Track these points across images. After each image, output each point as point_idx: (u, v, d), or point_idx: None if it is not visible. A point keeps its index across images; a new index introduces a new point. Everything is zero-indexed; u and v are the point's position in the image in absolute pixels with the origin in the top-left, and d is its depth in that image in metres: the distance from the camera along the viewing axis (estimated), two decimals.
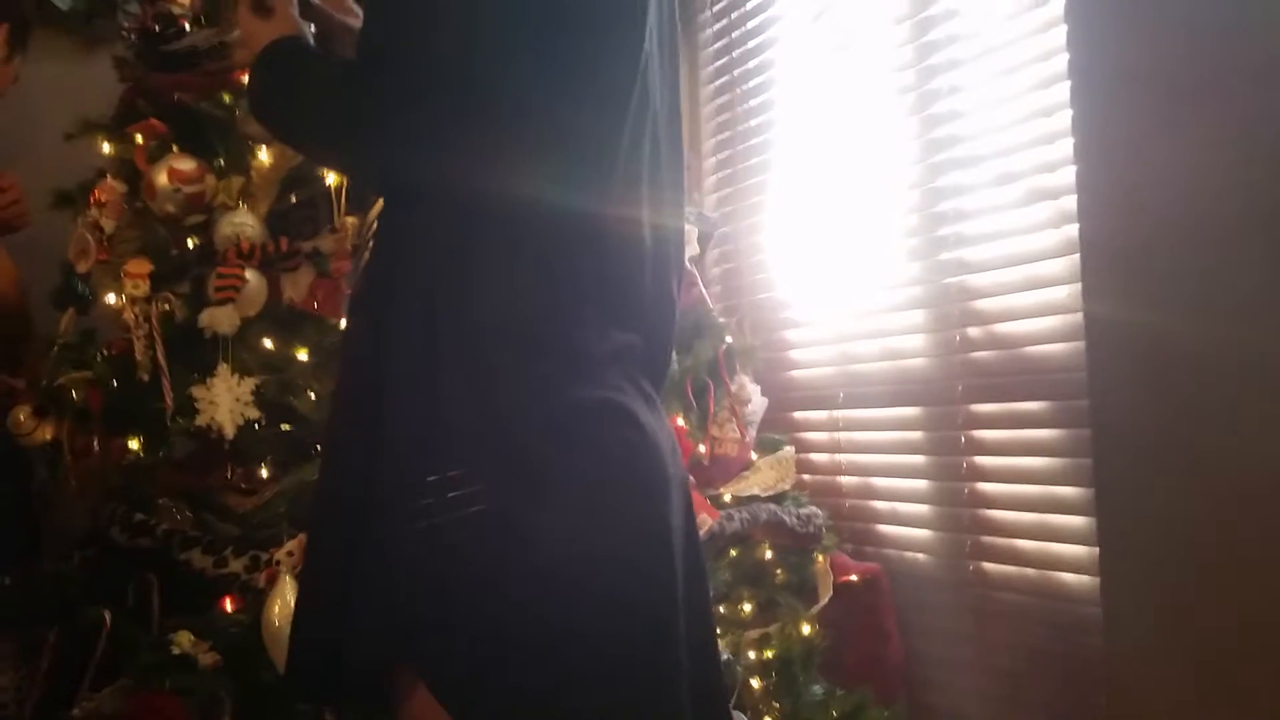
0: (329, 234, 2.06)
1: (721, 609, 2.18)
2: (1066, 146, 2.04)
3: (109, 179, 2.14)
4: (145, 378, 1.91)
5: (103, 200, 2.11)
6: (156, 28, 2.20)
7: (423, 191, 1.15)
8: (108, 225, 2.09)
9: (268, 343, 1.97)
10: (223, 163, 2.07)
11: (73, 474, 1.93)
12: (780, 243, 2.90)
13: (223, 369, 1.90)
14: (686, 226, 2.50)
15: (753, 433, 2.41)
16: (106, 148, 2.17)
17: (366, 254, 1.19)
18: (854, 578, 2.40)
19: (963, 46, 2.34)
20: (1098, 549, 1.96)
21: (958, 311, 2.33)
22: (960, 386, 2.33)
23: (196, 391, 1.88)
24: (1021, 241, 2.18)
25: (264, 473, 1.94)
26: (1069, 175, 2.03)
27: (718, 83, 3.20)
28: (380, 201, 1.24)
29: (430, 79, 1.11)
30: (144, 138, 2.11)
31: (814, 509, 2.40)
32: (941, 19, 2.39)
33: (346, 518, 1.13)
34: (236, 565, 1.81)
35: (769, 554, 2.32)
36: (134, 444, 1.91)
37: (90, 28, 2.85)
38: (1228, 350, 1.73)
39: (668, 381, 2.30)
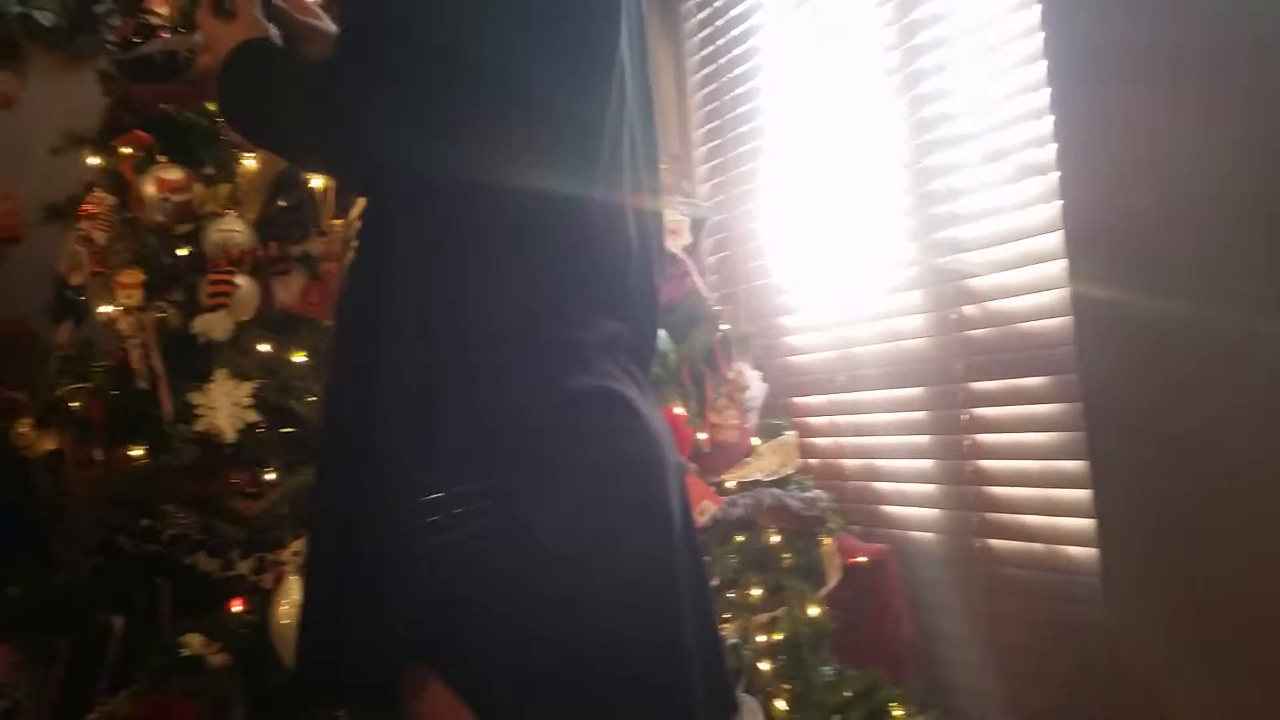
0: (318, 237, 2.06)
1: (730, 594, 2.19)
2: (1052, 122, 2.04)
3: (97, 191, 2.14)
4: (144, 386, 1.91)
5: (92, 213, 2.12)
6: (137, 39, 2.21)
7: (406, 187, 1.15)
8: (98, 237, 2.10)
9: (264, 347, 1.97)
10: (210, 170, 2.08)
11: (75, 484, 1.94)
12: (774, 228, 2.91)
13: (219, 374, 1.90)
14: (679, 216, 2.53)
15: (753, 419, 2.41)
16: (94, 160, 2.17)
17: (350, 254, 1.19)
18: (862, 559, 2.40)
19: (947, 25, 2.34)
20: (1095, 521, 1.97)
21: (953, 290, 2.33)
22: (959, 365, 2.33)
23: (194, 397, 1.88)
24: (1013, 218, 2.18)
25: (268, 475, 1.95)
26: (1055, 152, 2.04)
27: (705, 71, 3.20)
28: (362, 201, 1.23)
29: (410, 71, 1.10)
30: (131, 149, 2.11)
31: (818, 492, 2.40)
32: None
33: (351, 518, 1.13)
34: (244, 567, 1.82)
35: (776, 538, 2.32)
36: (137, 452, 1.91)
37: (74, 43, 2.86)
38: (1211, 324, 1.74)
39: (666, 371, 2.33)
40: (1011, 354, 2.20)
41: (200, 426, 1.86)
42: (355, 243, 1.20)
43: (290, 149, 1.34)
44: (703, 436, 2.31)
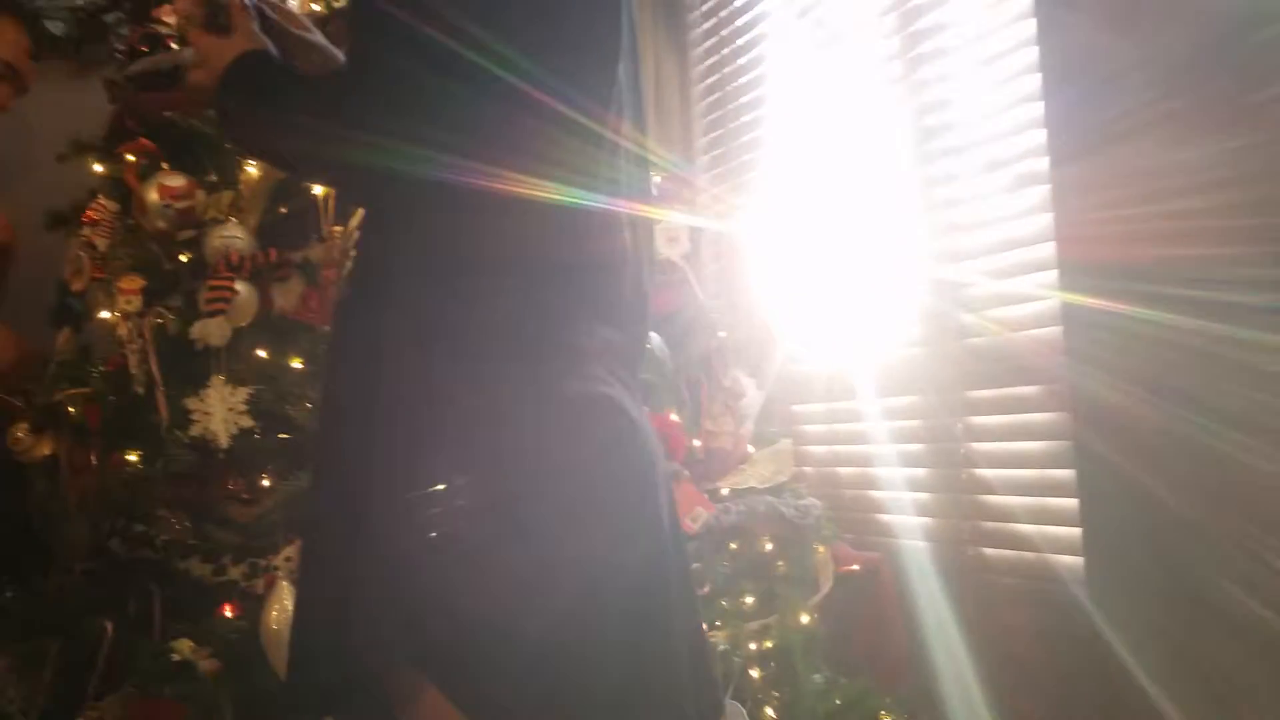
0: (318, 244, 2.08)
1: (723, 602, 2.19)
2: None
3: (101, 198, 2.17)
4: (141, 391, 1.93)
5: (95, 219, 2.14)
6: (145, 48, 2.23)
7: (407, 194, 1.15)
8: (101, 243, 2.13)
9: (261, 353, 1.99)
10: (212, 177, 2.10)
11: (71, 488, 1.96)
12: (773, 237, 2.91)
13: (216, 380, 1.92)
14: (678, 223, 2.54)
15: (748, 426, 2.42)
16: (98, 168, 2.20)
17: (349, 263, 1.20)
18: (855, 567, 2.41)
19: (948, 35, 2.35)
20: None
21: (950, 299, 2.33)
22: (955, 374, 2.33)
23: (190, 403, 1.90)
24: (1010, 227, 2.19)
25: (265, 482, 1.96)
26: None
27: (709, 81, 3.21)
28: (361, 211, 1.24)
29: (417, 84, 1.10)
30: (134, 156, 2.14)
31: (812, 500, 2.40)
32: (927, 8, 2.40)
33: (346, 524, 1.14)
34: (235, 573, 1.83)
35: (769, 546, 2.33)
36: (132, 457, 1.93)
37: (82, 53, 2.90)
38: (1201, 336, 1.75)
39: (663, 377, 2.34)
40: (1006, 363, 2.20)
41: (195, 432, 1.88)
42: (354, 250, 1.22)
43: (294, 161, 1.32)
44: (698, 443, 2.32)
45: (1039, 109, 2.09)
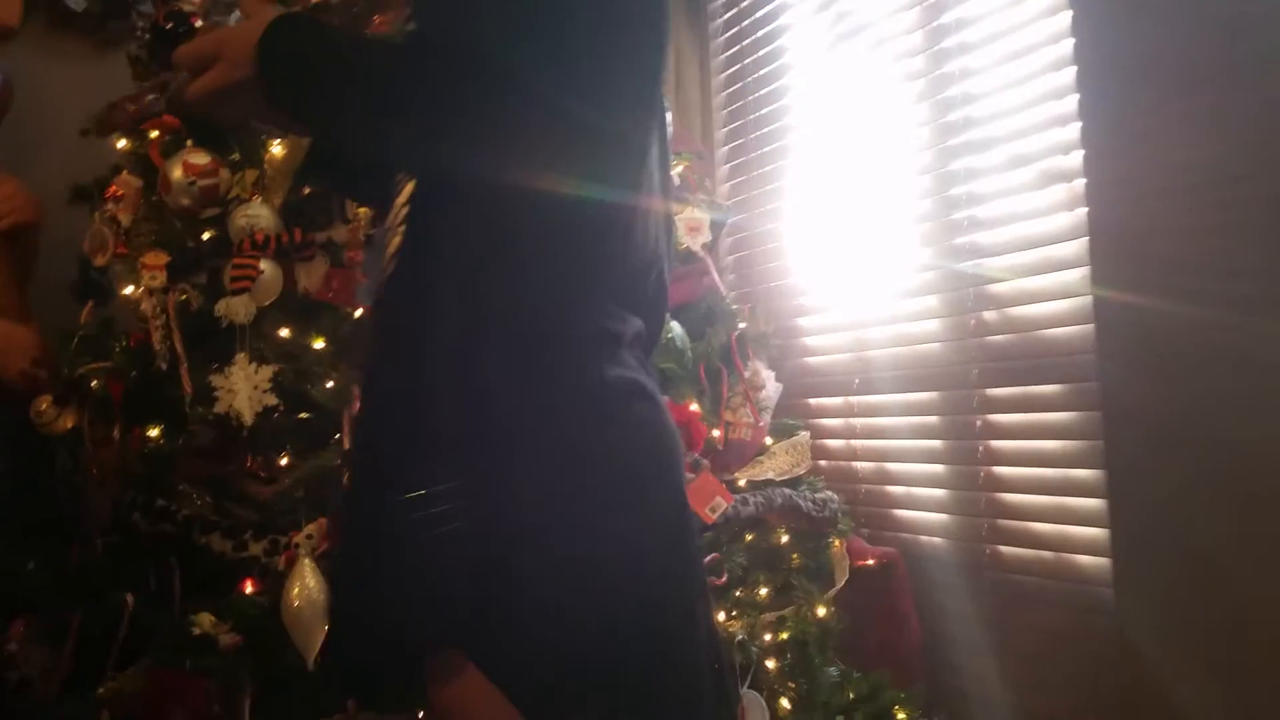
0: (342, 224, 2.08)
1: (738, 592, 2.19)
2: (1078, 129, 2.04)
3: (125, 174, 2.17)
4: (164, 367, 1.93)
5: (119, 195, 2.14)
6: (169, 25, 2.23)
7: (460, 182, 1.13)
8: (124, 219, 2.13)
9: (284, 332, 1.99)
10: (237, 156, 2.10)
11: (93, 462, 1.96)
12: (793, 229, 2.91)
13: (240, 358, 1.92)
14: (699, 214, 2.54)
15: (767, 418, 2.41)
16: (122, 143, 2.19)
17: (396, 239, 1.18)
18: (870, 562, 2.41)
19: (973, 30, 2.34)
20: (1109, 530, 1.97)
21: (972, 295, 2.33)
22: (975, 371, 2.33)
23: (215, 380, 1.90)
24: (1035, 225, 2.18)
25: (283, 460, 1.96)
26: (1081, 157, 2.04)
27: (729, 72, 3.21)
28: (409, 186, 1.22)
29: (492, 74, 1.08)
30: (158, 133, 2.14)
31: (829, 493, 2.40)
32: (951, 3, 2.40)
33: (387, 504, 1.13)
34: (256, 549, 1.83)
35: (785, 538, 2.33)
36: (154, 432, 1.93)
37: (105, 29, 2.89)
38: (1235, 334, 1.74)
39: (683, 368, 2.34)
40: (1028, 360, 2.20)
41: (220, 409, 1.88)
42: (400, 228, 1.20)
43: (349, 133, 1.23)
44: (716, 434, 2.31)
45: (1064, 105, 2.09)
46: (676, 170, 2.51)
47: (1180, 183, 1.80)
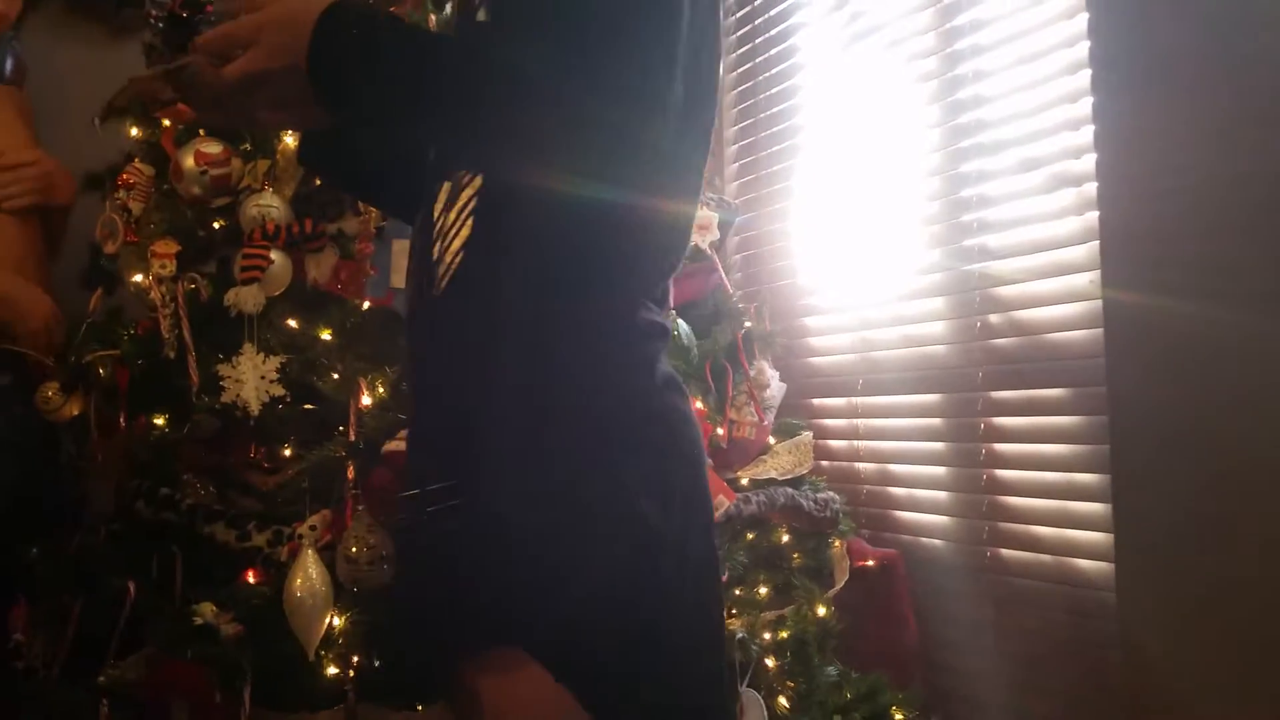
0: (353, 216, 2.09)
1: (738, 590, 2.20)
2: (1090, 133, 2.04)
3: (136, 162, 2.17)
4: (171, 355, 1.94)
5: (130, 183, 2.15)
6: (184, 13, 2.23)
7: (535, 183, 1.13)
8: (135, 207, 2.13)
9: (292, 323, 2.00)
10: (249, 145, 2.10)
11: (99, 449, 1.97)
12: (801, 229, 2.91)
13: (248, 348, 1.93)
14: (707, 213, 2.54)
15: (771, 417, 2.42)
16: (134, 131, 2.20)
17: (465, 231, 1.17)
18: (870, 563, 2.41)
19: (986, 32, 2.34)
20: (1113, 535, 1.97)
21: (979, 298, 2.33)
22: (980, 373, 2.33)
23: (222, 369, 1.91)
24: (1044, 228, 2.18)
25: (286, 452, 1.97)
26: (1092, 162, 2.03)
27: (740, 70, 3.21)
28: (477, 181, 1.20)
29: (573, 84, 1.07)
30: (171, 121, 2.14)
31: (831, 494, 2.40)
32: (965, 5, 2.40)
33: (455, 501, 1.13)
34: (260, 539, 1.84)
35: (786, 538, 2.33)
36: (159, 420, 1.94)
37: (119, 16, 2.89)
38: (1247, 340, 1.73)
39: (688, 365, 2.34)
40: (1034, 364, 2.20)
41: (226, 398, 1.89)
42: (468, 221, 1.19)
43: (417, 125, 1.18)
44: (720, 432, 2.32)
45: (1077, 109, 2.08)
46: None
47: (1199, 183, 1.78)
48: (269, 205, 2.01)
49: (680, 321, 2.32)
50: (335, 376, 1.95)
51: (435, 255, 1.19)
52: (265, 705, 1.71)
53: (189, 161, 2.04)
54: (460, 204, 1.18)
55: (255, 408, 1.88)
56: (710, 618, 1.22)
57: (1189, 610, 1.82)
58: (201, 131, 2.08)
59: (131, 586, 1.81)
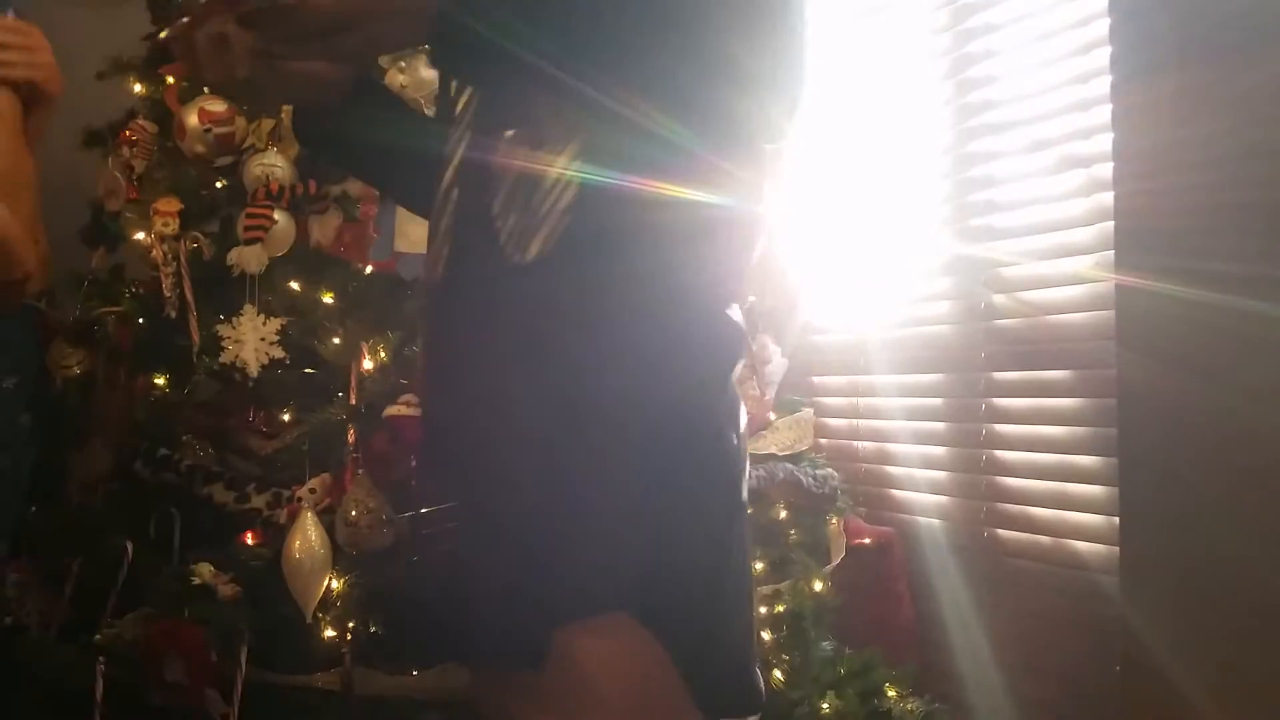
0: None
1: None
2: (1101, 114, 2.02)
3: (140, 119, 2.15)
4: (173, 314, 1.93)
5: (133, 140, 2.13)
6: None
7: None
8: (138, 165, 2.11)
9: (294, 285, 1.98)
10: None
11: (106, 406, 1.96)
12: (805, 206, 2.90)
13: (249, 308, 1.91)
14: None
15: (772, 392, 2.41)
16: (138, 88, 2.18)
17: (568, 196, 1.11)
18: (867, 541, 2.41)
19: (999, 10, 2.32)
20: (1117, 518, 1.96)
21: (984, 278, 2.32)
22: (983, 354, 2.33)
23: (222, 330, 1.89)
24: (1052, 209, 2.17)
25: (285, 416, 1.96)
26: (1102, 143, 2.02)
27: None
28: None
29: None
30: (175, 78, 2.12)
31: (830, 470, 2.40)
32: None
33: (533, 472, 1.09)
34: (258, 501, 1.83)
35: (784, 514, 2.33)
36: (160, 380, 1.93)
37: None
38: (1262, 323, 1.72)
39: None
40: (1038, 345, 2.19)
41: (226, 359, 1.87)
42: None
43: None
44: None
45: (1089, 89, 2.07)
46: None
47: (1214, 166, 1.77)
48: (273, 165, 1.99)
49: None
50: (336, 341, 1.94)
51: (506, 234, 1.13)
52: (262, 666, 1.71)
53: (193, 119, 2.02)
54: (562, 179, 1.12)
55: (254, 369, 1.87)
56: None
57: (1193, 593, 1.81)
58: (205, 89, 2.06)
59: (129, 546, 1.80)
